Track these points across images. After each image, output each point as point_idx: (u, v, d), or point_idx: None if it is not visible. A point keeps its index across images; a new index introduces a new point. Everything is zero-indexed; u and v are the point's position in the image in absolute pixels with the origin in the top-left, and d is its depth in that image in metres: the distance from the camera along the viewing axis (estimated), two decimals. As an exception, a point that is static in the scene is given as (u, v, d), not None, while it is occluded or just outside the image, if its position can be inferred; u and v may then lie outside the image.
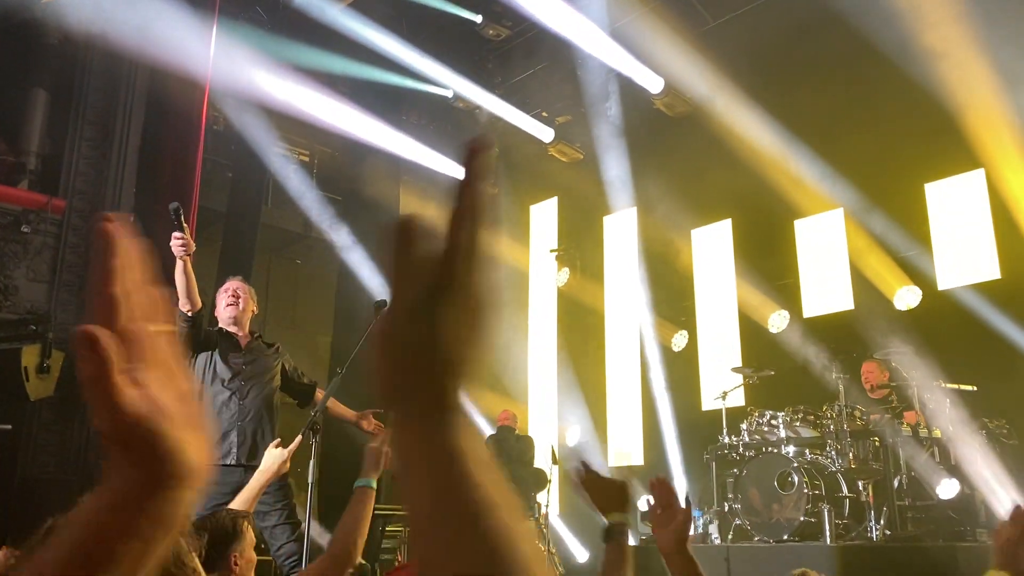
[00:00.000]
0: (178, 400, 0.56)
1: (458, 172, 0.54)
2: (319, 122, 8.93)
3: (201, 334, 4.19)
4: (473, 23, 8.54)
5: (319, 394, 4.50)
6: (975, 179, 7.56)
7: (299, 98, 8.56)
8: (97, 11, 7.32)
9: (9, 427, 7.31)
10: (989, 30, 6.67)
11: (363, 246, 9.47)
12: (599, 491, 1.83)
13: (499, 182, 10.13)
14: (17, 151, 8.28)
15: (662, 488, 1.94)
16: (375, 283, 8.83)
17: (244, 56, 8.05)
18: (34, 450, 7.43)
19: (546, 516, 7.66)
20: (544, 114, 9.64)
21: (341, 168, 10.07)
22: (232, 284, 4.47)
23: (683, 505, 1.90)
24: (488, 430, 9.49)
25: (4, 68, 8.04)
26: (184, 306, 4.04)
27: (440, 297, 0.53)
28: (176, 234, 3.86)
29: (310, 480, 3.81)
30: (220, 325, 4.39)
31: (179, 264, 3.94)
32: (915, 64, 6.88)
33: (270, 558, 4.18)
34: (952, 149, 7.30)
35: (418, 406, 0.53)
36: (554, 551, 7.94)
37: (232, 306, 4.38)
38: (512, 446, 8.06)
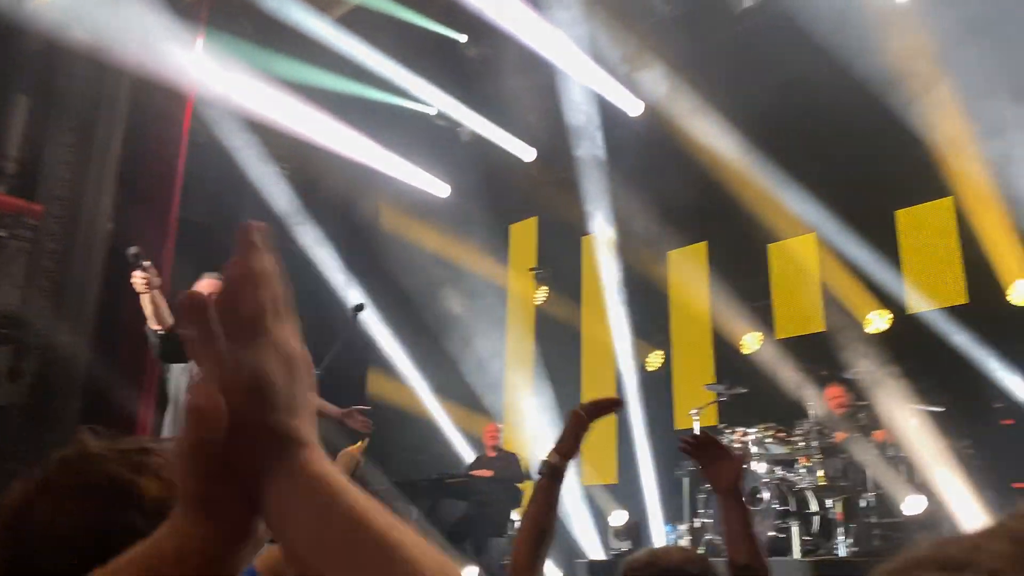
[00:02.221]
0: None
1: (238, 247, 0.57)
2: (302, 136, 8.99)
3: (174, 348, 4.16)
4: (457, 42, 8.67)
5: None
6: (944, 207, 7.75)
7: (283, 112, 8.62)
8: (81, 17, 7.37)
9: (-22, 432, 7.23)
10: (959, 62, 6.87)
11: (342, 261, 9.52)
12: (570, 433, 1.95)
13: (480, 200, 10.22)
14: (-3, 156, 8.26)
15: (702, 442, 2.14)
16: (352, 296, 8.87)
17: (229, 68, 8.11)
18: (2, 457, 7.35)
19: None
20: (526, 134, 9.76)
21: (323, 183, 10.13)
22: (208, 286, 4.21)
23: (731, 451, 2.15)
24: (468, 448, 9.52)
25: (-14, 73, 8.05)
26: (153, 325, 4.07)
27: (252, 353, 0.54)
28: (135, 272, 3.93)
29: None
30: None
31: (143, 296, 4.01)
32: (889, 92, 7.08)
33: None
34: (923, 177, 7.48)
35: (275, 447, 0.53)
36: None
37: None
38: (494, 464, 8.08)
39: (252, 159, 9.25)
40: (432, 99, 9.30)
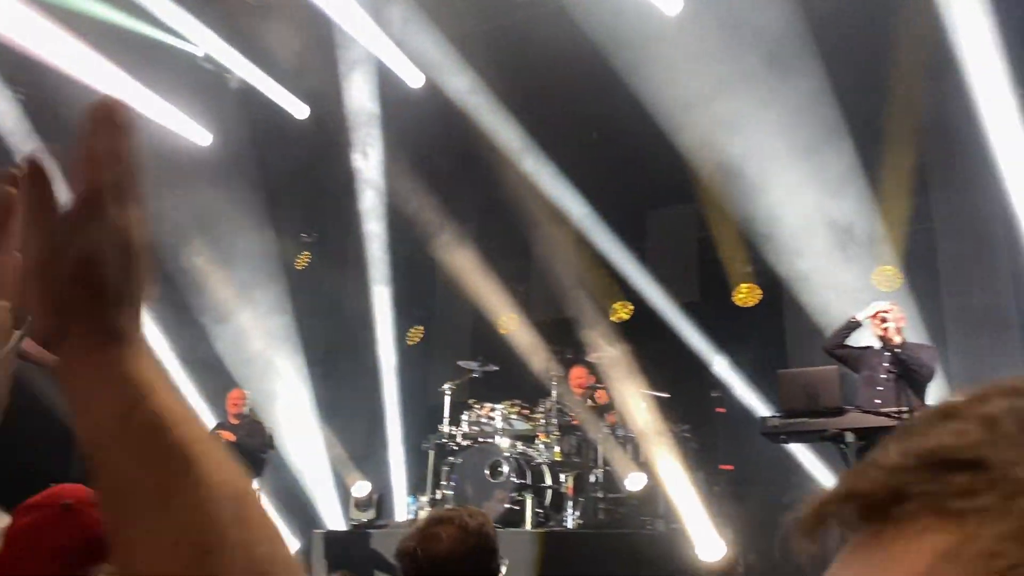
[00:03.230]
0: None
1: (89, 125, 0.56)
2: (43, 61, 8.00)
3: None
4: (233, -17, 8.12)
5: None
6: (689, 213, 8.45)
7: (22, 31, 7.62)
8: None
9: None
10: (712, 80, 7.45)
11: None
12: None
13: (245, 154, 9.67)
14: None
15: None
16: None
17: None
18: None
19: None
20: (300, 91, 9.36)
21: (64, 115, 9.08)
22: None
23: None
24: (210, 415, 9.01)
25: None
26: None
27: (90, 229, 0.53)
28: None
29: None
30: None
31: None
32: (655, 100, 7.53)
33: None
34: (674, 183, 8.09)
35: (92, 335, 0.53)
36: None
37: None
38: (237, 431, 7.71)
39: (-22, 77, 8.13)
40: (199, 39, 8.65)
